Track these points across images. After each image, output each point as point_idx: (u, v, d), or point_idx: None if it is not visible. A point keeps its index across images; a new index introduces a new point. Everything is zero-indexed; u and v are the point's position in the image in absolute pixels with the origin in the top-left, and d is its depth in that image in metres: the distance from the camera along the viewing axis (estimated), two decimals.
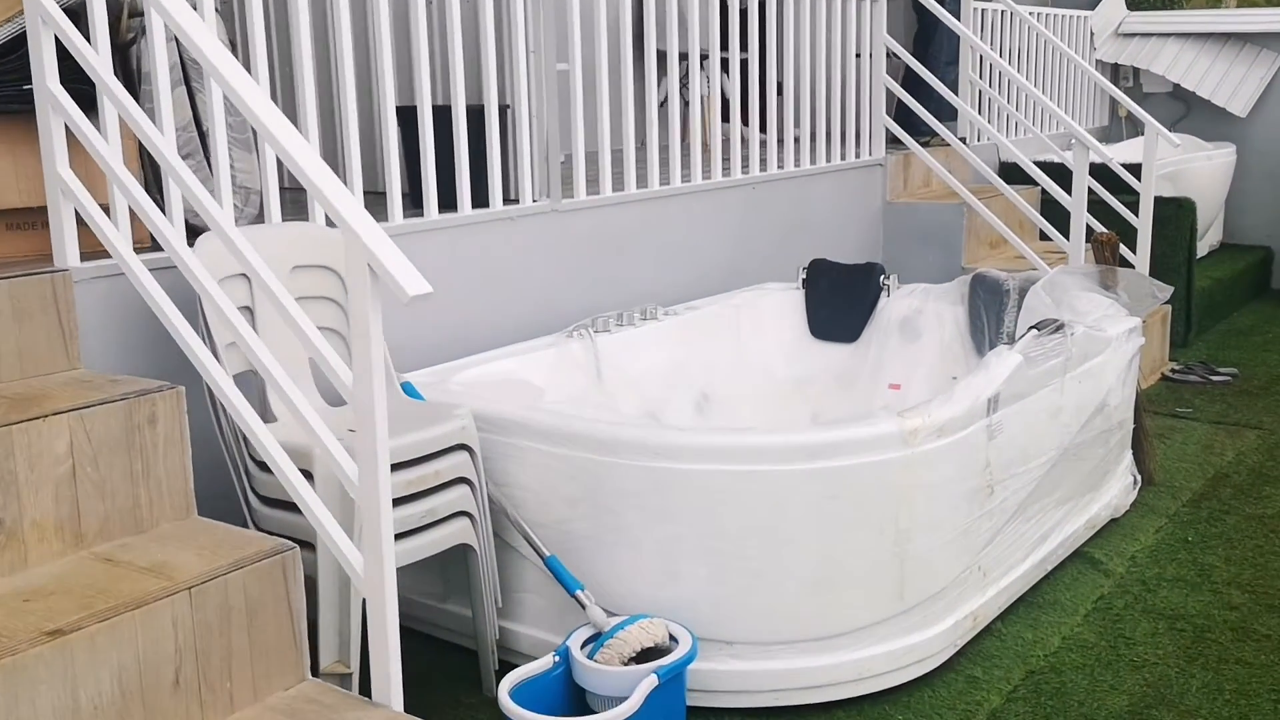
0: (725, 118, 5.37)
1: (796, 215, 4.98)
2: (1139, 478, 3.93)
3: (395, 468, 2.38)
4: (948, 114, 5.92)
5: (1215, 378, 5.45)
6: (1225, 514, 3.86)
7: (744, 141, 5.18)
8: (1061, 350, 3.24)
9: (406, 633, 2.91)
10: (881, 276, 4.18)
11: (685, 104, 5.74)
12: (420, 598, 3.00)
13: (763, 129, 5.00)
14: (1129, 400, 3.73)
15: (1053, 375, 3.20)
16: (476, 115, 3.55)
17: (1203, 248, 7.16)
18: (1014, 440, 3.00)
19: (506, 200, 3.68)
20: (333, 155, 3.91)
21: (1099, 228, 5.65)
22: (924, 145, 5.55)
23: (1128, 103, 5.76)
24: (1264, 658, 2.94)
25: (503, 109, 3.66)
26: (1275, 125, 7.60)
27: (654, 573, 2.64)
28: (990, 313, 3.91)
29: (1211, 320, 6.50)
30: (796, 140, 5.12)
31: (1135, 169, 5.64)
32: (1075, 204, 5.10)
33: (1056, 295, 3.62)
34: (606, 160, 4.13)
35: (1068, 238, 5.09)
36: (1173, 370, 5.55)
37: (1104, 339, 3.49)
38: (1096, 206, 5.71)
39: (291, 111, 4.03)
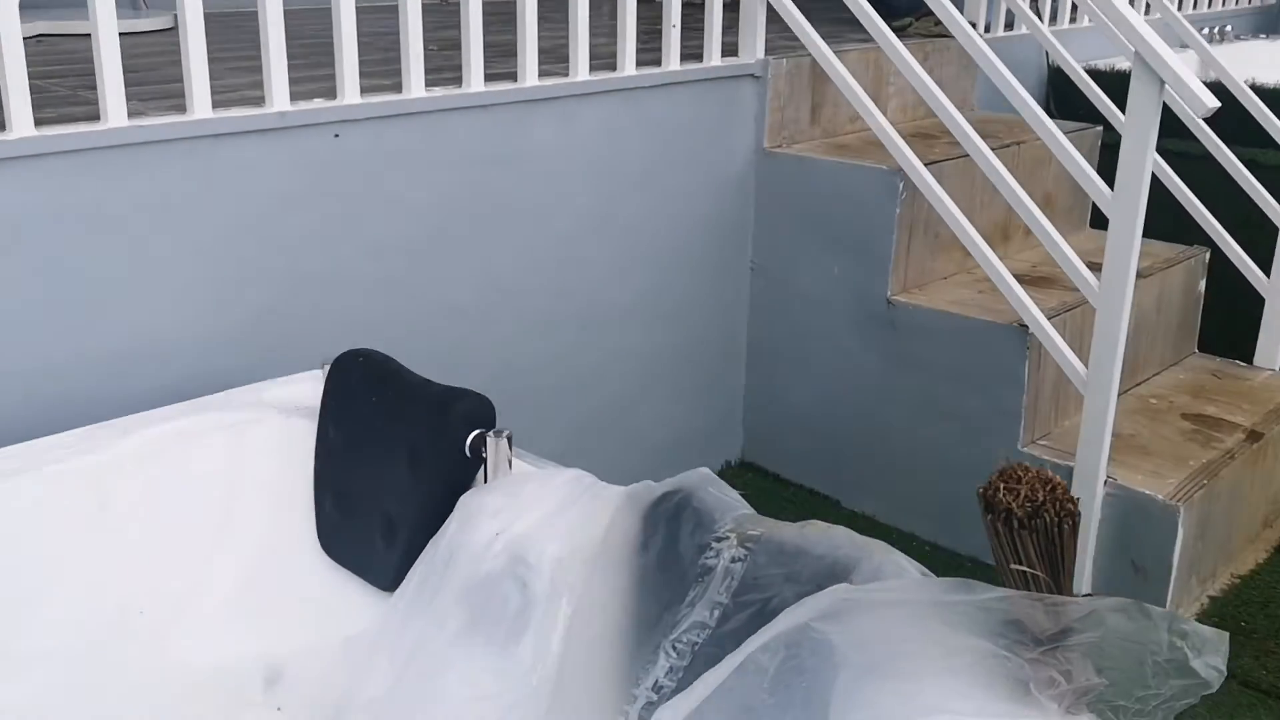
0: None
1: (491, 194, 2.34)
2: None
3: None
4: None
5: None
6: None
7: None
8: None
9: None
10: (472, 432, 1.56)
11: None
12: None
13: None
14: None
15: None
16: None
17: None
18: None
19: None
20: None
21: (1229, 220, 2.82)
22: (899, 33, 2.72)
23: None
24: None
25: None
26: None
27: None
28: (672, 578, 1.28)
29: None
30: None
31: None
32: (1124, 182, 2.27)
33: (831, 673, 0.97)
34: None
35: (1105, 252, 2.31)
36: None
37: None
38: (1204, 180, 2.85)
39: None
